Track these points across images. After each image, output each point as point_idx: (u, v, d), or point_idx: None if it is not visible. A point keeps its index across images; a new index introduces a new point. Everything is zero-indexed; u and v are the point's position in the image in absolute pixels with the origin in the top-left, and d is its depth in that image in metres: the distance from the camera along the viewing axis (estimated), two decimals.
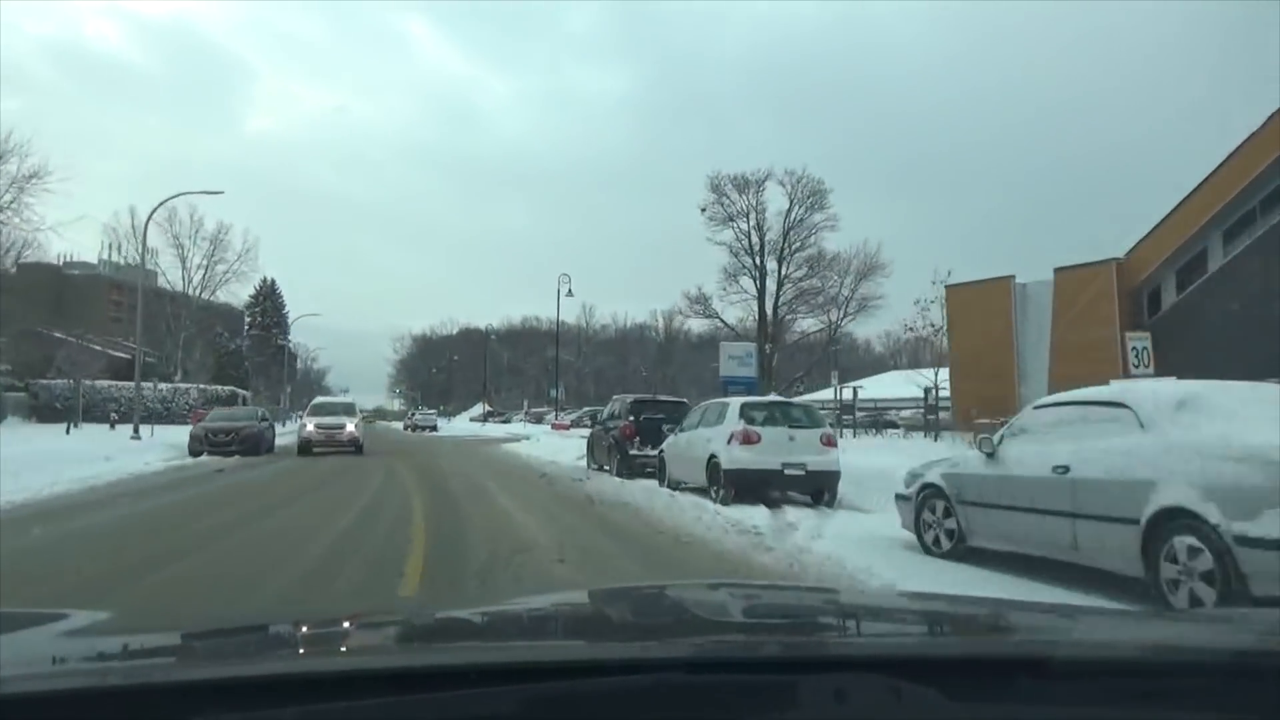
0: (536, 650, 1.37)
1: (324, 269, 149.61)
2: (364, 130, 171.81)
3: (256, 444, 23.30)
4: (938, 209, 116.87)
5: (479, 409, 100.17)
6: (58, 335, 52.87)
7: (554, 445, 27.97)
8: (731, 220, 52.10)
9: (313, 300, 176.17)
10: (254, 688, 1.00)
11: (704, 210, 51.61)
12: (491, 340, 74.81)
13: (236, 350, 60.52)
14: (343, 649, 1.50)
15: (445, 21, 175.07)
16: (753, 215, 52.20)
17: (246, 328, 65.69)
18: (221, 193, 30.28)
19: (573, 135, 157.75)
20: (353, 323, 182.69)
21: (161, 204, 28.51)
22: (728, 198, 51.82)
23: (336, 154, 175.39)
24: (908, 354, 59.73)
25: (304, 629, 1.60)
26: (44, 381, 41.43)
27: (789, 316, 53.72)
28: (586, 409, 51.98)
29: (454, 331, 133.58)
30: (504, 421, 68.69)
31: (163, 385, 45.04)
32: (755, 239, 52.34)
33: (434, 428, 55.85)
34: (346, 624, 1.64)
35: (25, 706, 0.94)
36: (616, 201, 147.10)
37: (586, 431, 38.86)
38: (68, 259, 73.61)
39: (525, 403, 64.06)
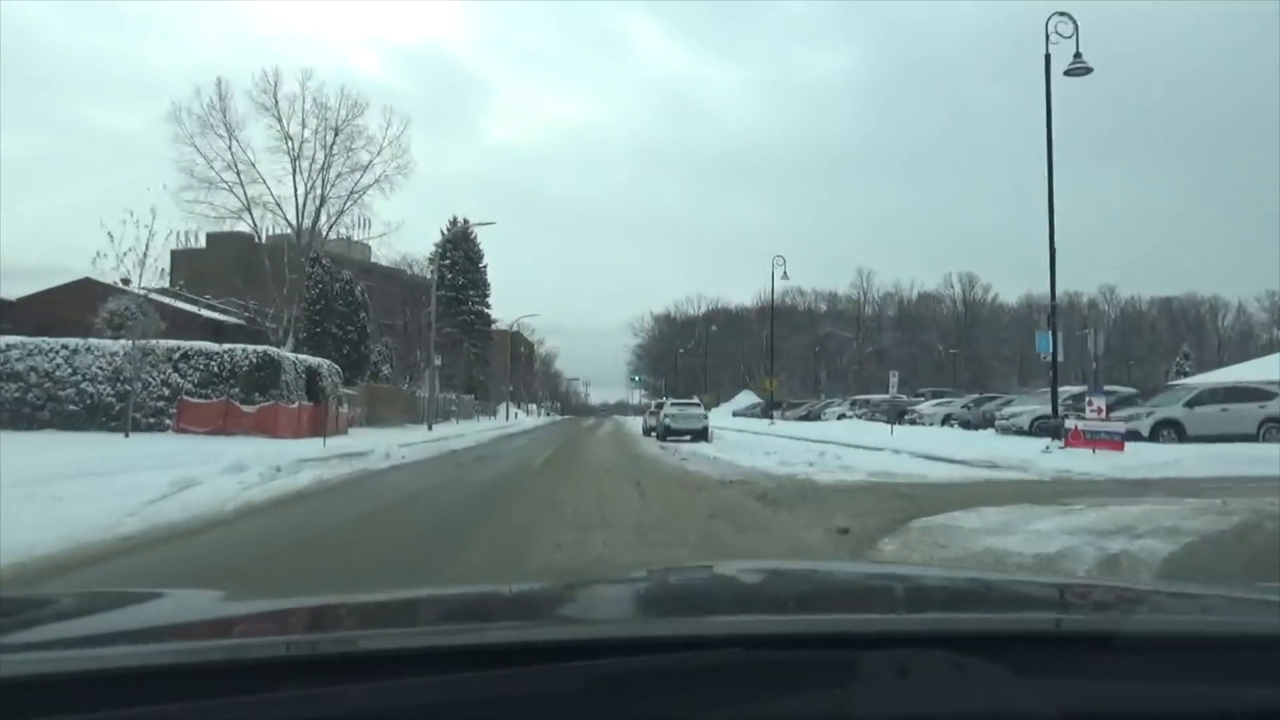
0: (593, 628, 1.36)
1: (560, 269, 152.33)
2: (596, 133, 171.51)
3: None
4: None
5: (745, 399, 77.00)
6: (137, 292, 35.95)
7: None
8: None
9: (545, 303, 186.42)
10: (308, 665, 1.02)
11: None
12: (785, 296, 50.77)
13: (348, 292, 38.64)
14: (397, 627, 1.49)
15: (666, 17, 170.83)
16: None
17: (432, 283, 44.85)
18: None
19: (799, 119, 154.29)
20: (588, 320, 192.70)
21: None
22: None
23: (571, 158, 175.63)
24: None
25: (358, 606, 1.63)
26: None
27: None
28: (1118, 389, 26.03)
29: (701, 310, 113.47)
30: (804, 418, 44.74)
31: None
32: None
33: (703, 433, 29.46)
34: (400, 601, 1.71)
35: (63, 685, 0.96)
36: (854, 180, 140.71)
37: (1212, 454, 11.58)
38: (270, 233, 62.57)
39: (895, 383, 38.08)
